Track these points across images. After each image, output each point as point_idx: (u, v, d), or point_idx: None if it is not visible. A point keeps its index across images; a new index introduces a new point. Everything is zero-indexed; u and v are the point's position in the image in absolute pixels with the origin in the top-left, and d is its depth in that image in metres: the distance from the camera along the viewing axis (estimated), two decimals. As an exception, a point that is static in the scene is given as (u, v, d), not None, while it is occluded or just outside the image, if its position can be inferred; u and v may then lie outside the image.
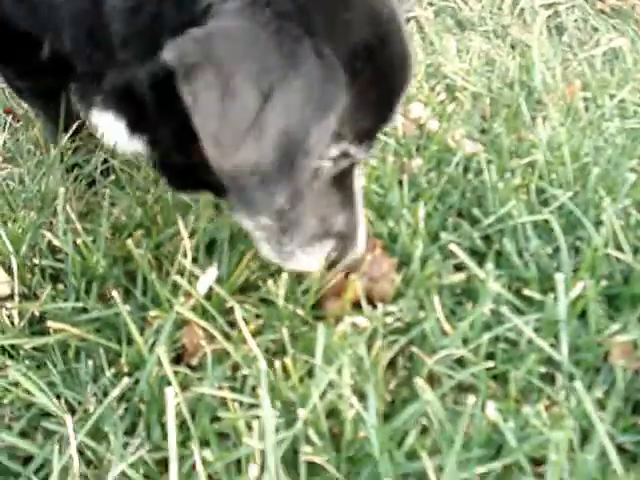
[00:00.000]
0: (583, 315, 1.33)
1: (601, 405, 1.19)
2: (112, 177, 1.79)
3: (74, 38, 1.21)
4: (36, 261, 1.48)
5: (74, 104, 1.73)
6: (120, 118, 1.23)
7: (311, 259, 1.28)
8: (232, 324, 1.34)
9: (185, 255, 1.38)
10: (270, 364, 1.22)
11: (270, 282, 1.36)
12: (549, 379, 1.26)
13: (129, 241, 1.40)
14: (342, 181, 1.22)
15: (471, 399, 1.09)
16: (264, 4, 0.96)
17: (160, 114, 1.12)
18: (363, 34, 1.04)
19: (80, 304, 1.38)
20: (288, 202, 1.16)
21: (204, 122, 0.94)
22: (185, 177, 1.28)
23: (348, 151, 1.14)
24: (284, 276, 1.31)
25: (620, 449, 1.13)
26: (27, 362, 1.29)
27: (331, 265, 1.29)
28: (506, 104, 1.99)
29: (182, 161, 1.20)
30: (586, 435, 1.14)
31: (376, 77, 1.07)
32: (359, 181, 1.26)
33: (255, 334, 1.28)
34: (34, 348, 1.32)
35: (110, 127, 1.26)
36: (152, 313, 1.29)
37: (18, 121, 2.15)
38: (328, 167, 1.16)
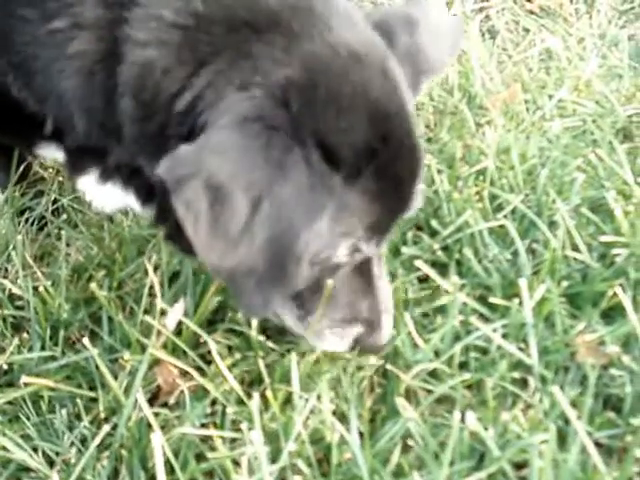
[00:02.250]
0: (548, 317, 1.36)
1: (573, 404, 1.22)
2: (64, 216, 1.77)
3: (85, 126, 1.22)
4: (-3, 312, 1.45)
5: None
6: (127, 190, 1.29)
7: (339, 340, 1.27)
8: (203, 356, 1.33)
9: (151, 292, 1.37)
10: (248, 395, 1.22)
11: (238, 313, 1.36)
12: (521, 383, 1.29)
13: (93, 285, 1.38)
14: (362, 270, 1.22)
15: (457, 415, 1.11)
16: (255, 118, 1.00)
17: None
18: (364, 135, 1.06)
19: (47, 352, 1.36)
20: (308, 292, 1.19)
21: (195, 230, 0.98)
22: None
23: (358, 247, 1.14)
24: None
25: (596, 444, 1.16)
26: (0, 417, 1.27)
27: (355, 347, 1.28)
28: (450, 111, 2.02)
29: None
30: (562, 435, 1.17)
31: (381, 174, 1.08)
32: (381, 269, 1.25)
33: (229, 367, 1.28)
34: (5, 402, 1.29)
35: (109, 194, 1.31)
36: (126, 356, 1.28)
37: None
38: (344, 261, 1.16)
